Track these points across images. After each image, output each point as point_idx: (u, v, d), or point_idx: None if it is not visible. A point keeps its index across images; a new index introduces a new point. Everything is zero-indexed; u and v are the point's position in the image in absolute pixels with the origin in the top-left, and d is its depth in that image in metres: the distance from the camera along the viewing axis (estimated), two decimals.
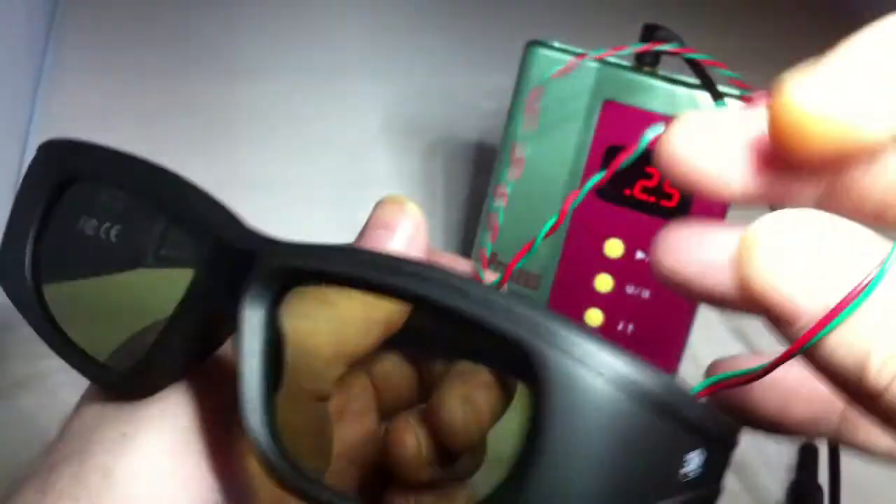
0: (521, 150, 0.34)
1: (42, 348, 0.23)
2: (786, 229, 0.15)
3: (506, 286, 0.25)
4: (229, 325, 0.19)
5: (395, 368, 0.24)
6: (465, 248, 0.53)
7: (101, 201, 0.23)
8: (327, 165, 0.59)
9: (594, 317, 0.45)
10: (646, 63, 0.43)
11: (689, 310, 0.45)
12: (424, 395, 0.23)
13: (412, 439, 0.21)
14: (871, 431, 0.20)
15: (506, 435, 0.20)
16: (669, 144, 0.16)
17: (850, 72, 0.14)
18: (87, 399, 0.23)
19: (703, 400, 0.16)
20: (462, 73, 0.69)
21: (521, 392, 0.21)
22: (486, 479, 0.22)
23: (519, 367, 0.15)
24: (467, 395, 0.20)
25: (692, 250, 0.16)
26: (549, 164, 0.44)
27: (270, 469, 0.18)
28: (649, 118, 0.42)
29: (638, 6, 0.72)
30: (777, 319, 0.14)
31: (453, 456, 0.21)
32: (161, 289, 0.21)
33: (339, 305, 0.20)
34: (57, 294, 0.23)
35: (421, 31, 0.73)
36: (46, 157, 0.23)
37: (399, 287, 0.17)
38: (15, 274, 0.23)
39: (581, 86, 0.43)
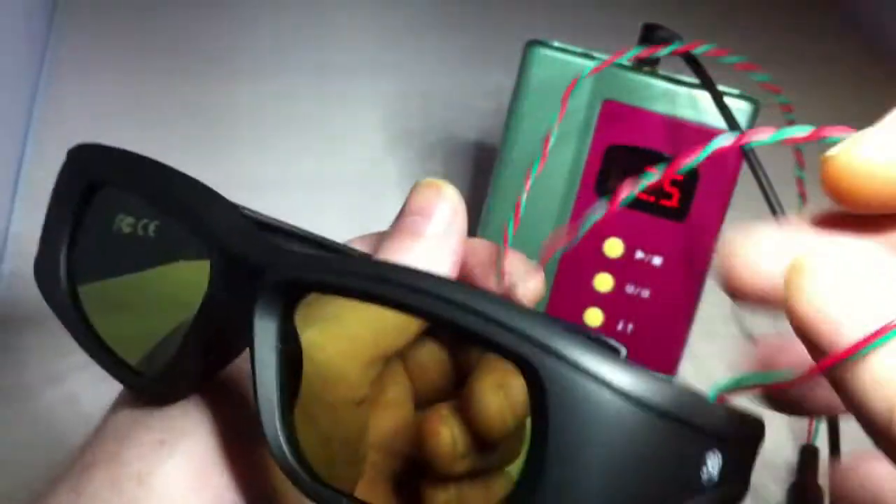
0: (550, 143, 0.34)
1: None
2: (837, 261, 0.15)
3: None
4: (245, 334, 0.19)
5: (430, 357, 0.23)
6: None
7: (128, 206, 0.23)
8: (327, 166, 0.59)
9: (594, 316, 0.45)
10: (646, 63, 0.44)
11: (688, 309, 0.45)
12: (461, 383, 0.22)
13: (446, 431, 0.20)
14: None
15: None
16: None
17: None
18: (120, 402, 0.23)
19: (720, 402, 0.16)
20: (462, 73, 0.69)
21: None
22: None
23: (528, 378, 0.16)
24: (501, 382, 0.20)
25: (770, 263, 0.16)
26: (549, 164, 0.44)
27: (292, 477, 0.18)
28: (649, 118, 0.42)
29: (638, 6, 0.72)
30: (817, 347, 0.14)
31: (490, 445, 0.21)
32: (187, 293, 0.21)
33: (374, 307, 0.20)
34: (90, 298, 0.23)
35: (421, 31, 0.73)
36: (75, 161, 0.23)
37: (394, 300, 0.17)
38: (52, 278, 0.23)
39: (581, 85, 0.43)
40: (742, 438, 0.17)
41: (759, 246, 0.17)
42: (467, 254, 0.24)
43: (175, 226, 0.21)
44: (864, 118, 0.18)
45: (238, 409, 0.21)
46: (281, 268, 0.19)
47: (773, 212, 0.39)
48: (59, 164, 0.24)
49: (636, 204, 0.43)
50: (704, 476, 0.16)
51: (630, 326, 0.45)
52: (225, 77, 0.65)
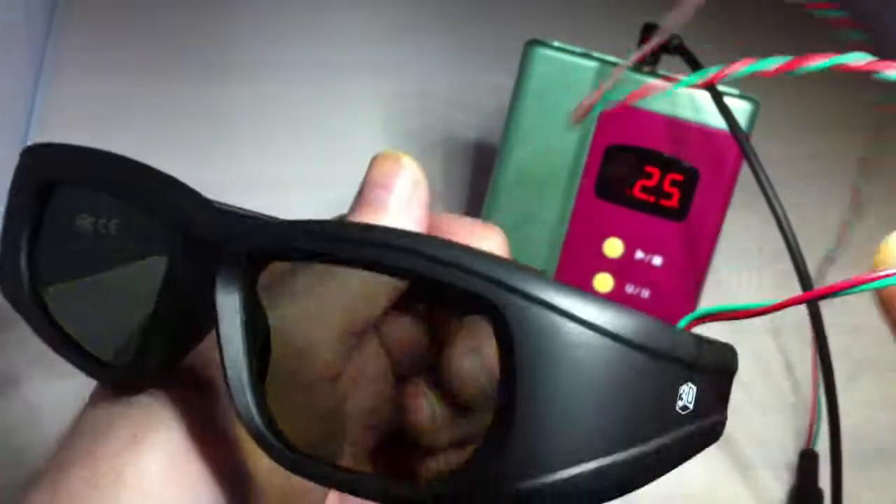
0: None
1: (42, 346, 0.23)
2: None
3: None
4: (209, 312, 0.19)
5: (406, 331, 0.23)
6: None
7: (84, 201, 0.23)
8: (327, 166, 0.59)
9: None
10: (646, 63, 0.44)
11: (688, 310, 0.45)
12: (440, 356, 0.22)
13: (425, 403, 0.20)
14: None
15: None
16: None
17: None
18: (96, 396, 0.23)
19: (691, 331, 0.16)
20: (462, 73, 0.69)
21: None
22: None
23: (493, 320, 0.15)
24: (474, 347, 0.20)
25: None
26: (549, 164, 0.44)
27: (267, 449, 0.18)
28: (649, 118, 0.42)
29: (638, 6, 0.72)
30: None
31: (471, 411, 0.20)
32: (147, 282, 0.21)
33: (341, 278, 0.20)
34: (54, 295, 0.23)
35: (421, 31, 0.73)
36: (27, 162, 0.24)
37: (353, 257, 0.17)
38: (13, 277, 0.23)
39: (581, 85, 0.43)
40: (715, 366, 0.16)
41: None
42: (431, 228, 0.24)
43: (135, 214, 0.21)
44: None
45: (210, 398, 0.21)
46: (237, 238, 0.18)
47: (774, 212, 0.39)
48: None
49: (636, 204, 0.43)
50: (679, 405, 0.15)
51: None
52: (225, 77, 0.64)
